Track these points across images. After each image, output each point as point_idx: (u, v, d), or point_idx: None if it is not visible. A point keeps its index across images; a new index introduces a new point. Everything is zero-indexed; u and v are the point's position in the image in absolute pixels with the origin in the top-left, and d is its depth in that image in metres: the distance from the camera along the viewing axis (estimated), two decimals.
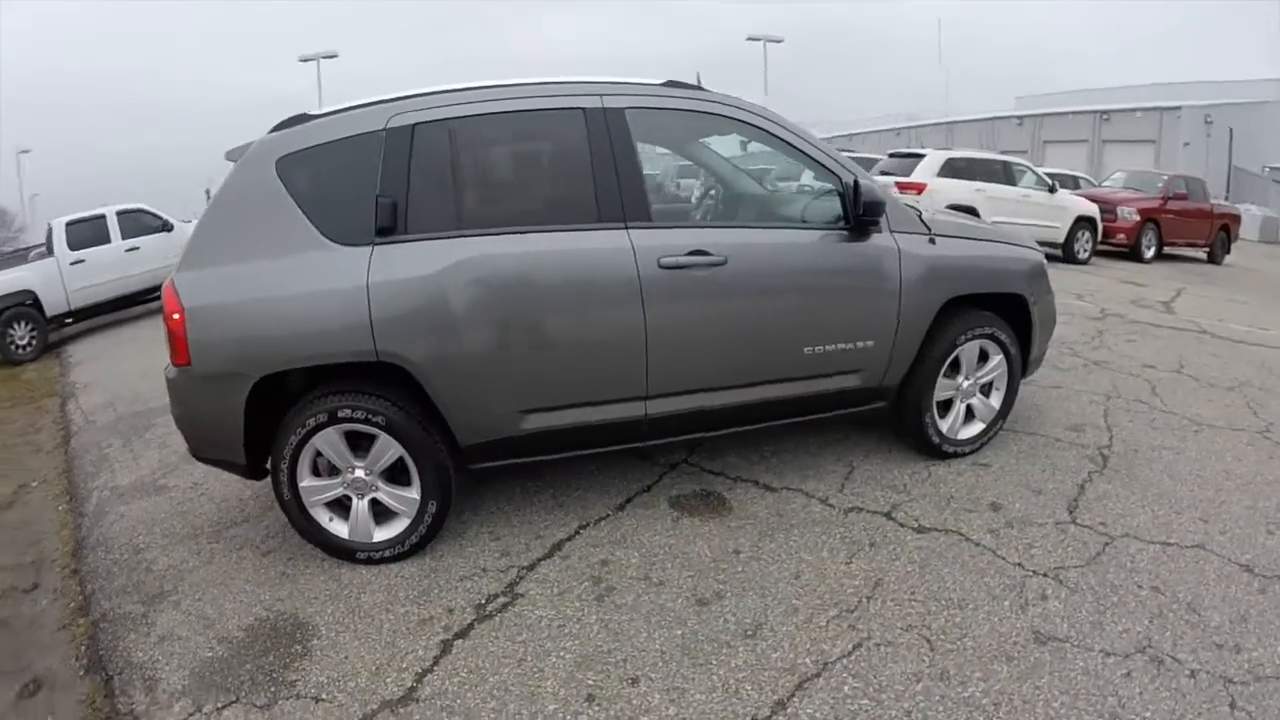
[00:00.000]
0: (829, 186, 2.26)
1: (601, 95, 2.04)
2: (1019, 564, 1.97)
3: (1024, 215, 7.81)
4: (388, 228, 1.86)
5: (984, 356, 2.54)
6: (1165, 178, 10.16)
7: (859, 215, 2.12)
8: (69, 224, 7.35)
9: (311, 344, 1.85)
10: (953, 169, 7.91)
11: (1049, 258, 2.99)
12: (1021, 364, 2.62)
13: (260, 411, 1.91)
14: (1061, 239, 8.15)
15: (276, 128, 1.96)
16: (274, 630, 1.80)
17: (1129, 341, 4.38)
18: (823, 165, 2.24)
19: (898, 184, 8.01)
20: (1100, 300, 5.86)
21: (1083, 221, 8.22)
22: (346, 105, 2.03)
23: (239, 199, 1.93)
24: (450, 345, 1.89)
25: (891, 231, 2.28)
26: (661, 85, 2.18)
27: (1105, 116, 19.88)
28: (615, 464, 2.61)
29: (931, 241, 2.35)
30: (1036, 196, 8.11)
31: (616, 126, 2.00)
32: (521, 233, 1.95)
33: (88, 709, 1.55)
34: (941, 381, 2.46)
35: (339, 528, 2.03)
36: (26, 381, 5.75)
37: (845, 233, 2.22)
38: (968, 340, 2.44)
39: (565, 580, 1.96)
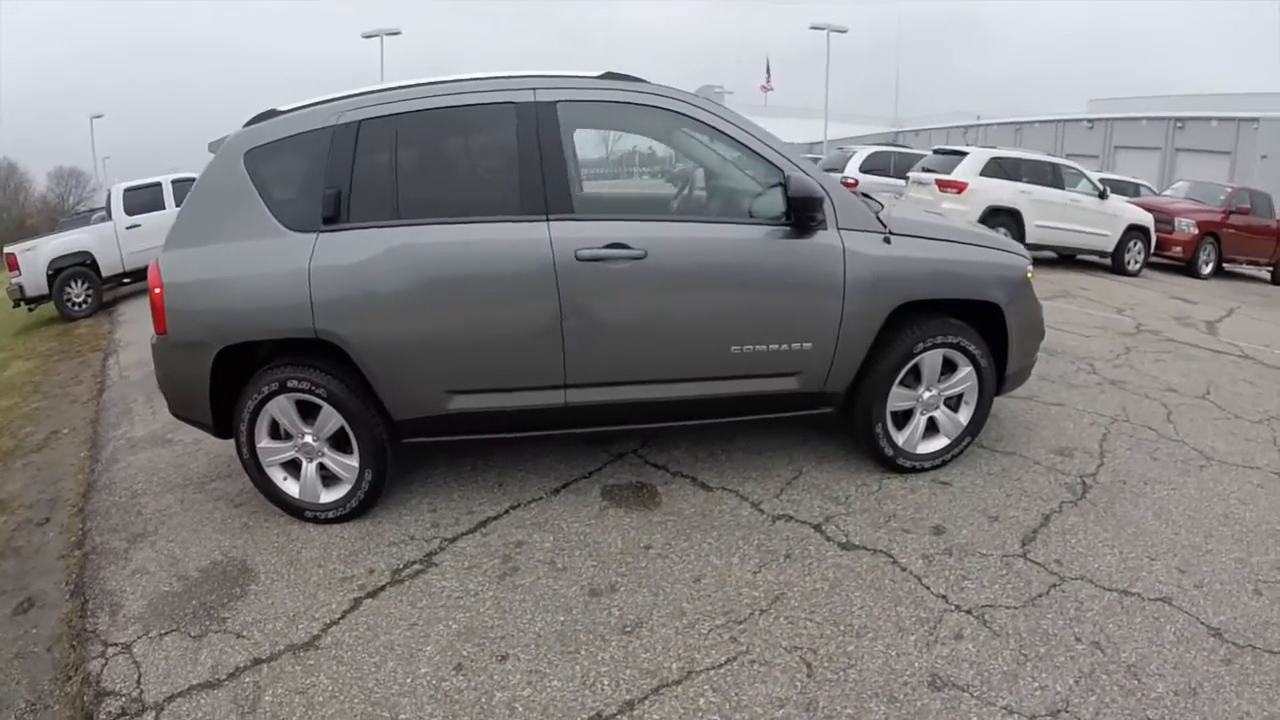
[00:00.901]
0: (775, 180, 2.19)
1: (535, 90, 2.10)
2: (943, 596, 1.89)
3: (1071, 221, 7.59)
4: (331, 217, 2.06)
5: (951, 367, 2.42)
6: (1229, 190, 9.63)
7: (788, 211, 2.07)
8: (126, 190, 8.21)
9: (263, 320, 2.10)
10: (996, 168, 7.67)
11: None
12: (996, 378, 2.46)
13: (233, 377, 2.21)
14: (1111, 248, 7.83)
15: (249, 122, 2.19)
16: (223, 573, 2.11)
17: (1157, 361, 4.01)
18: (764, 159, 2.18)
19: (938, 181, 7.78)
20: (1140, 315, 5.40)
21: (1135, 231, 7.89)
22: (310, 101, 2.22)
23: (213, 187, 2.19)
24: (379, 326, 2.07)
25: (840, 229, 2.20)
26: (598, 78, 2.20)
27: (1179, 124, 19.17)
28: (563, 449, 2.74)
29: (886, 241, 2.25)
30: (1085, 202, 7.73)
31: (547, 120, 2.06)
32: (449, 223, 2.07)
33: (64, 626, 1.92)
34: (897, 391, 2.37)
35: (291, 487, 2.31)
36: (78, 336, 6.64)
37: (787, 229, 2.16)
38: (928, 349, 2.33)
39: (478, 556, 2.14)
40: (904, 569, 2.00)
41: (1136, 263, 7.98)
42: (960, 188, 7.48)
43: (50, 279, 7.50)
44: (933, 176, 7.82)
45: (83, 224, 8.43)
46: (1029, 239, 7.63)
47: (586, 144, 2.84)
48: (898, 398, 2.39)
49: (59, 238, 7.99)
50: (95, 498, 2.59)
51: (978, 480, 2.48)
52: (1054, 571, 1.99)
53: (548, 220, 2.05)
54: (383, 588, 2.02)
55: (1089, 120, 21.97)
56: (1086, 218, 7.68)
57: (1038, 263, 8.75)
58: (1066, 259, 8.49)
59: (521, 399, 2.19)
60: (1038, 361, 3.98)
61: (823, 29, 22.20)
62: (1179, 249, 8.44)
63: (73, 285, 7.65)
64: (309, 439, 2.25)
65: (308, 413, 2.22)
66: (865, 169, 10.23)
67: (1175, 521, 2.24)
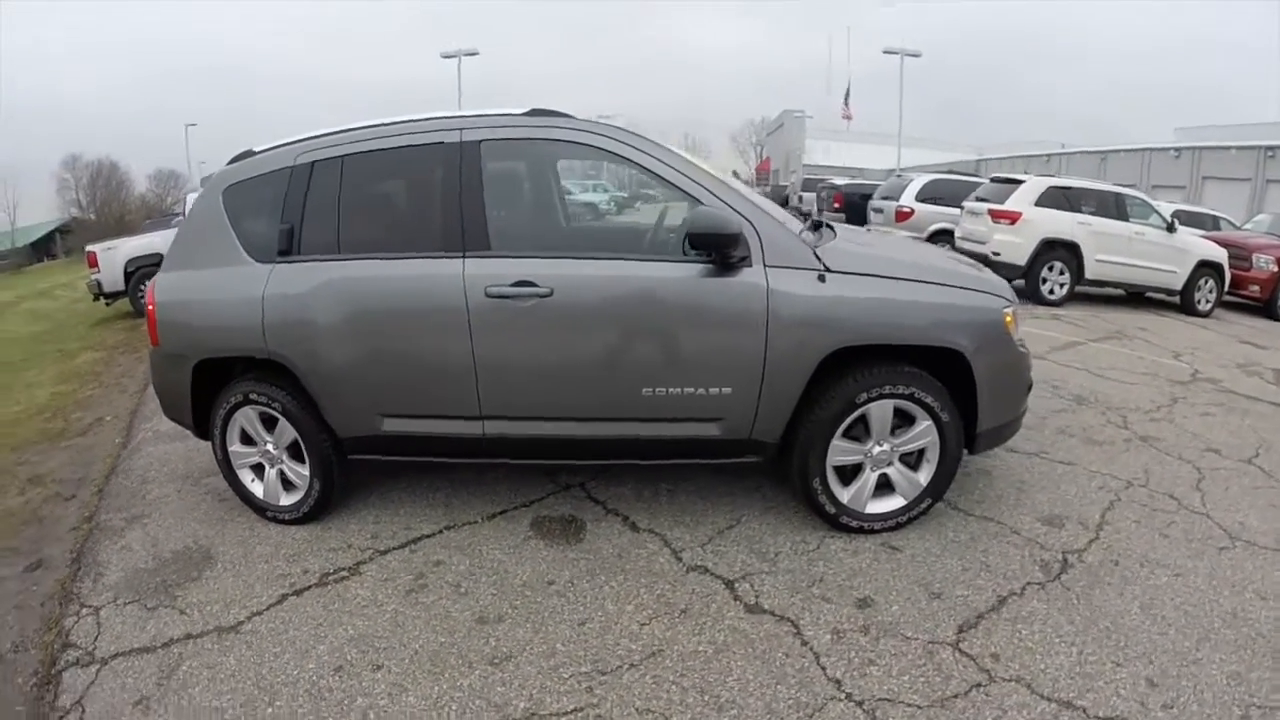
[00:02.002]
0: None
1: (462, 129, 2.32)
2: (836, 680, 1.80)
3: (1135, 255, 7.38)
4: (285, 250, 2.41)
5: (907, 420, 2.32)
6: None
7: (690, 248, 2.11)
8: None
9: (228, 339, 2.48)
10: (1054, 198, 7.41)
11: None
12: (965, 435, 2.36)
13: (212, 386, 2.61)
14: (1179, 285, 7.50)
15: (230, 161, 2.61)
16: (189, 557, 2.50)
17: (1204, 416, 3.61)
18: (684, 192, 2.23)
19: (991, 212, 7.54)
20: (1199, 361, 4.91)
21: (1206, 267, 7.55)
22: (279, 143, 2.59)
23: (198, 219, 2.63)
24: (317, 351, 2.37)
25: (766, 266, 2.18)
26: (524, 115, 2.36)
27: (1270, 153, 18.35)
28: (514, 476, 2.92)
29: (820, 279, 2.19)
30: (1151, 235, 7.47)
31: (470, 159, 2.27)
32: (379, 259, 2.34)
33: (58, 587, 2.37)
34: (841, 444, 2.31)
35: (257, 488, 2.67)
36: (143, 332, 7.74)
37: (707, 266, 2.18)
38: (874, 399, 2.25)
39: (397, 570, 2.36)
40: (805, 642, 1.94)
41: (1208, 302, 7.58)
42: (1014, 218, 7.27)
43: (127, 277, 8.49)
44: (986, 206, 7.63)
45: (164, 227, 9.33)
46: (1088, 274, 7.31)
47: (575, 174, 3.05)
48: (841, 451, 2.33)
49: (137, 239, 9.05)
50: (114, 480, 3.14)
51: (935, 548, 2.36)
52: (985, 668, 1.83)
53: (464, 257, 2.26)
54: (309, 588, 2.30)
55: (1175, 149, 21.40)
56: (1152, 252, 7.39)
57: (1102, 300, 7.97)
58: (1135, 297, 7.90)
59: (444, 426, 2.40)
60: (1063, 411, 3.73)
61: (896, 53, 22.26)
62: (1256, 287, 7.96)
63: (146, 284, 8.94)
64: (270, 447, 2.60)
65: (269, 423, 2.57)
66: (923, 197, 9.97)
67: (1165, 618, 2.00)
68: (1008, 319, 2.37)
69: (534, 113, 2.36)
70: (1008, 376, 2.40)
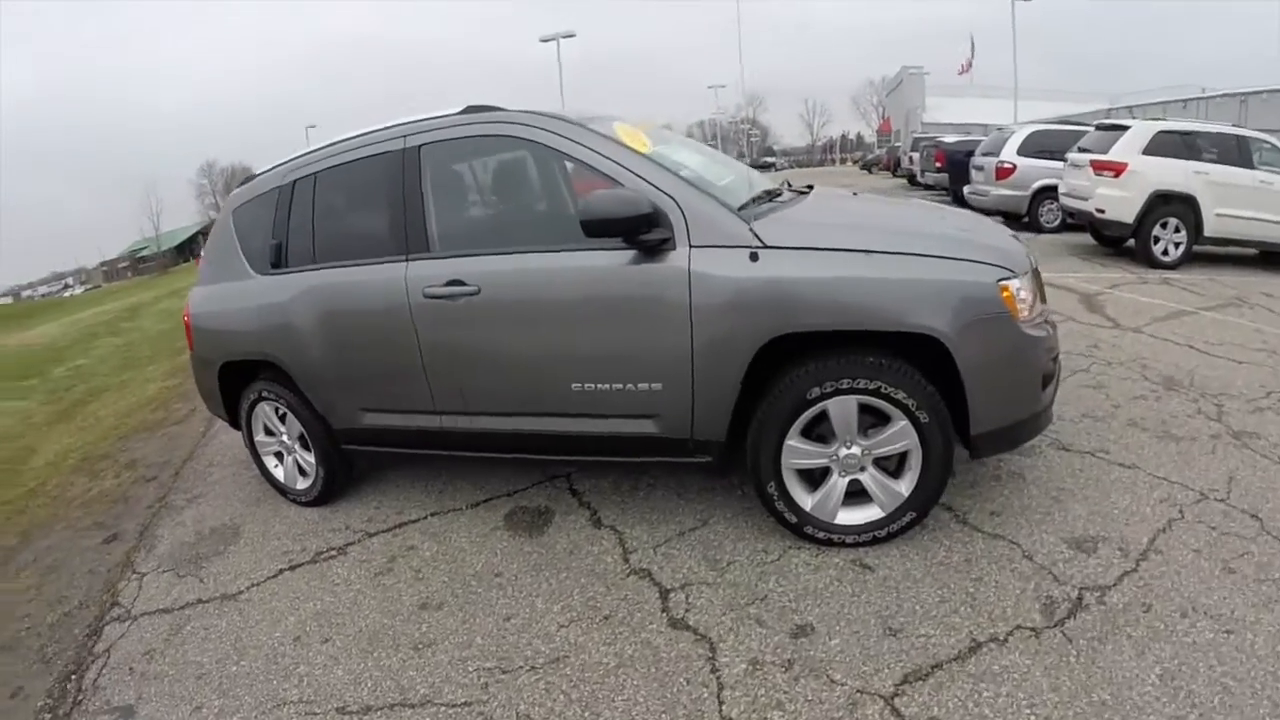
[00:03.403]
0: None
1: (406, 136, 2.44)
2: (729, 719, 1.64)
3: (1263, 208, 6.37)
4: (275, 262, 2.73)
5: (883, 419, 2.05)
6: None
7: (586, 235, 2.03)
8: None
9: (236, 344, 2.88)
10: (1164, 145, 6.49)
11: None
12: (950, 436, 2.05)
13: (240, 384, 3.05)
14: None
15: (239, 184, 3.02)
16: (222, 533, 2.97)
17: None
18: (609, 177, 2.15)
19: (1093, 163, 6.62)
20: None
21: None
22: (275, 164, 2.91)
23: (216, 238, 3.06)
24: (301, 352, 2.66)
25: (691, 247, 2.04)
26: (458, 113, 2.41)
27: None
28: (508, 465, 3.06)
29: (753, 258, 2.00)
30: None
31: (411, 164, 2.39)
32: (344, 266, 2.55)
33: (122, 555, 2.95)
34: (797, 445, 2.11)
35: (279, 473, 3.09)
36: None
37: (631, 254, 2.09)
38: (829, 395, 2.02)
39: (376, 552, 2.60)
40: (715, 670, 1.79)
41: None
42: (1118, 169, 6.36)
43: None
44: (1088, 158, 6.73)
45: None
46: (1208, 231, 6.22)
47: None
48: (800, 453, 2.13)
49: None
50: (188, 465, 3.78)
51: (917, 570, 2.07)
52: None
53: (407, 260, 2.40)
54: (302, 564, 2.63)
55: None
56: None
57: (1229, 261, 6.76)
58: (1271, 257, 6.50)
59: (410, 420, 2.58)
60: (1144, 398, 3.15)
61: None
62: None
63: None
64: (285, 438, 2.99)
65: (283, 417, 2.94)
66: (1026, 151, 8.89)
67: (1192, 695, 1.54)
68: (1006, 294, 1.98)
69: (467, 110, 2.42)
70: (1011, 365, 2.04)
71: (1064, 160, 7.67)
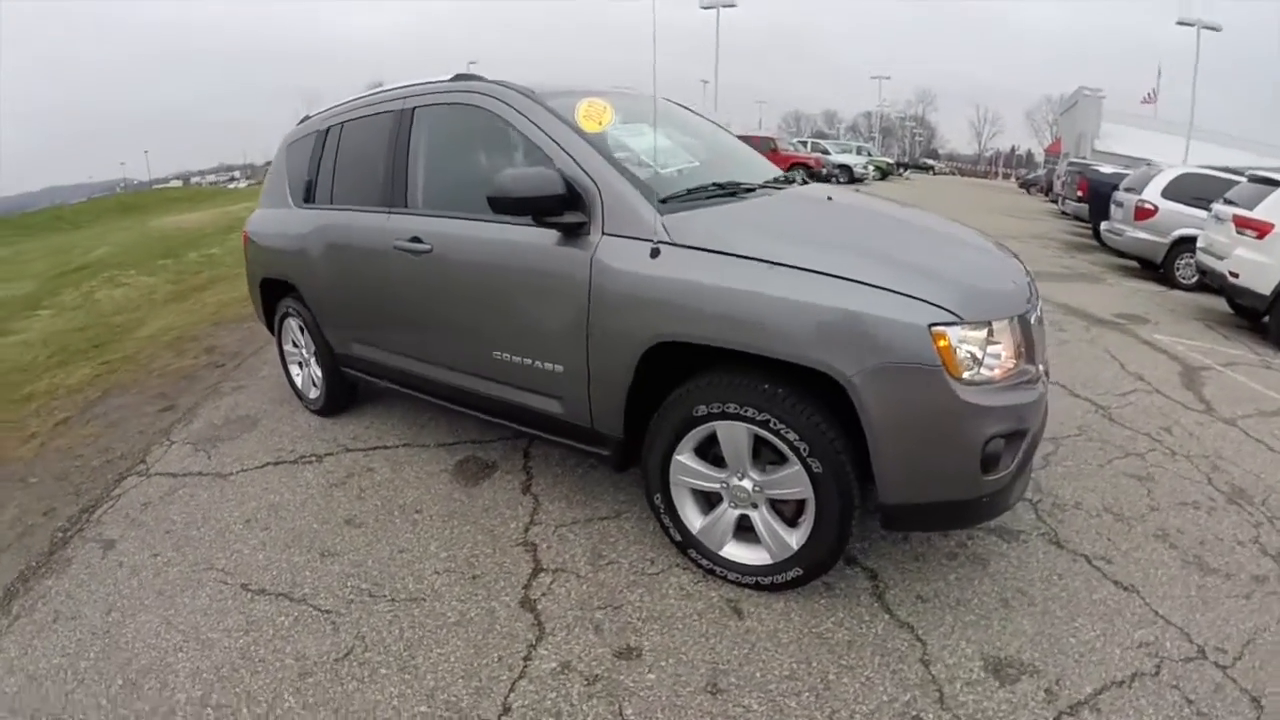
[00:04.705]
0: None
1: (406, 97, 2.64)
2: (506, 709, 1.67)
3: None
4: (306, 198, 3.12)
5: (780, 457, 1.88)
6: None
7: (493, 211, 2.05)
8: None
9: (272, 264, 3.33)
10: None
11: None
12: (850, 495, 1.80)
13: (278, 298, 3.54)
14: None
15: (298, 123, 3.42)
16: (243, 422, 3.48)
17: None
18: (547, 156, 2.17)
19: (1236, 219, 5.61)
20: None
21: None
22: (323, 109, 3.27)
23: (273, 170, 3.50)
24: (311, 280, 3.05)
25: (604, 234, 2.02)
26: (449, 80, 2.53)
27: None
28: None
29: (654, 254, 1.91)
30: None
31: (405, 124, 2.59)
32: (348, 210, 2.85)
33: (167, 424, 3.56)
34: (686, 462, 2.02)
35: (299, 380, 3.56)
36: None
37: (556, 234, 2.10)
38: (714, 416, 1.89)
39: (341, 467, 2.93)
40: (528, 659, 1.82)
41: None
42: (1263, 230, 5.33)
43: None
44: (1232, 211, 5.73)
45: None
46: None
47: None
48: (690, 472, 2.04)
49: None
50: (250, 360, 4.44)
51: (789, 633, 1.90)
52: None
53: (389, 213, 2.63)
54: (285, 462, 3.05)
55: None
56: None
57: None
58: None
59: (386, 357, 2.87)
60: (1194, 507, 2.77)
61: (1191, 24, 18.13)
62: None
63: None
64: (303, 351, 3.45)
65: (303, 333, 3.37)
66: (1172, 195, 7.80)
67: None
68: (941, 342, 1.65)
69: (456, 78, 2.55)
70: (936, 432, 1.70)
71: (1209, 210, 6.51)
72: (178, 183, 62.89)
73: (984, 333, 1.72)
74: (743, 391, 1.85)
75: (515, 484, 2.75)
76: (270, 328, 3.67)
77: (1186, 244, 7.53)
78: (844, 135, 65.11)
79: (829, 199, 2.45)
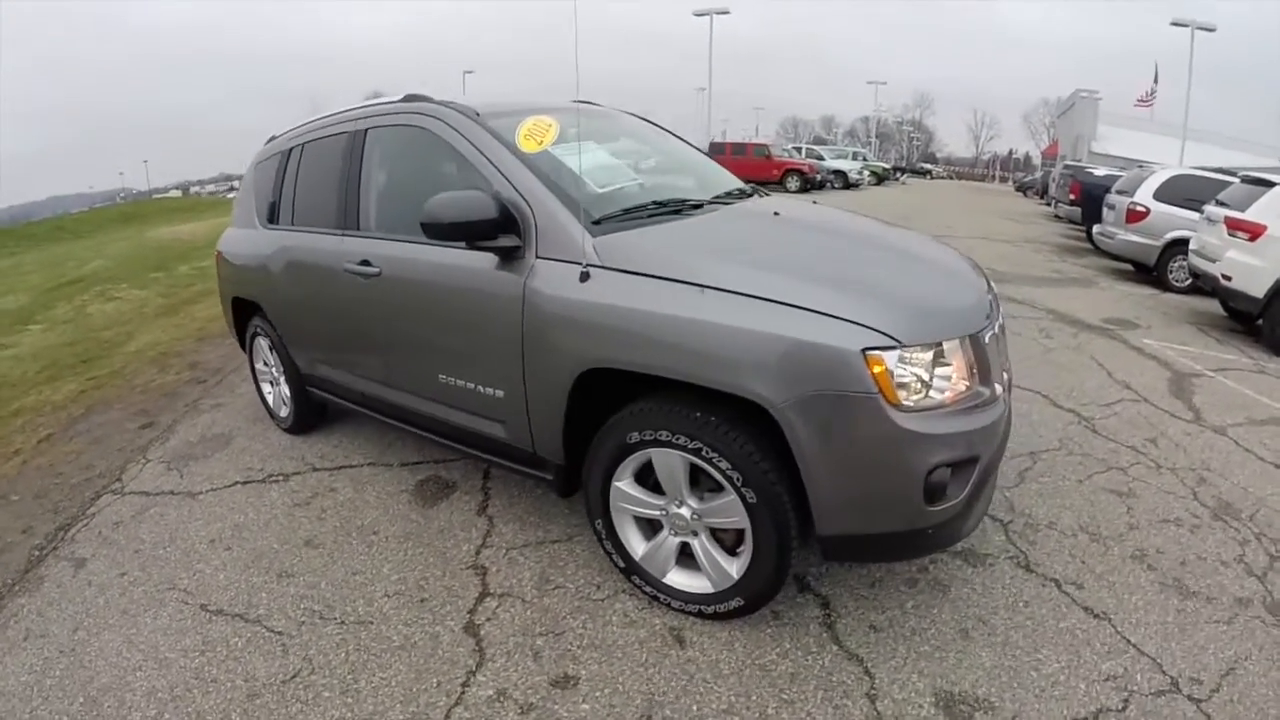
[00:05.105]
0: None
1: (359, 119, 2.74)
2: None
3: None
4: (270, 218, 3.25)
5: (718, 485, 1.89)
6: None
7: (427, 233, 2.08)
8: None
9: (240, 283, 3.47)
10: None
11: None
12: (786, 527, 1.81)
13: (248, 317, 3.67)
14: None
15: (266, 142, 3.54)
16: (218, 440, 3.61)
17: None
18: (483, 176, 2.21)
19: (1227, 220, 5.68)
20: None
21: None
22: (289, 128, 3.39)
23: (243, 188, 3.63)
24: (275, 300, 3.18)
25: (537, 258, 2.06)
26: (400, 101, 2.62)
27: None
28: None
29: (583, 278, 1.93)
30: None
31: (359, 146, 2.69)
32: (307, 232, 2.97)
33: (145, 441, 3.71)
34: (626, 489, 2.06)
35: (270, 399, 3.68)
36: None
37: (495, 257, 2.15)
38: (648, 444, 1.92)
39: (306, 487, 3.06)
40: (466, 685, 1.90)
41: None
42: (1255, 232, 5.37)
43: None
44: (1224, 213, 5.83)
45: None
46: None
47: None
48: (631, 499, 2.08)
49: None
50: (230, 376, 4.59)
51: (730, 664, 1.93)
52: None
53: (342, 235, 2.75)
54: (253, 481, 3.19)
55: None
56: None
57: None
58: None
59: (347, 379, 2.99)
60: (1176, 524, 2.70)
61: (1185, 25, 19.35)
62: None
63: None
64: (273, 371, 3.59)
65: (274, 351, 3.51)
66: (1164, 197, 7.89)
67: None
68: (876, 368, 1.63)
69: (406, 98, 2.63)
70: (872, 461, 1.69)
71: (1201, 212, 6.61)
72: (177, 192, 63.20)
73: (931, 354, 1.70)
74: (674, 419, 1.86)
75: (472, 505, 2.87)
76: (243, 345, 3.81)
77: (1179, 246, 7.58)
78: (842, 141, 65.67)
79: (775, 214, 2.44)
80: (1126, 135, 29.02)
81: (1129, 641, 2.03)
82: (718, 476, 1.86)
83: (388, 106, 2.70)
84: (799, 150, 25.50)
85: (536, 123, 2.31)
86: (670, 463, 1.94)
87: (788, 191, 19.63)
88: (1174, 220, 7.77)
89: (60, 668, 2.11)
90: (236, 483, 3.17)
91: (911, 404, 1.67)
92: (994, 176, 62.64)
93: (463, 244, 2.15)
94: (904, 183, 34.63)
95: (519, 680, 1.94)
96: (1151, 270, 8.05)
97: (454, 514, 2.81)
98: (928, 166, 53.98)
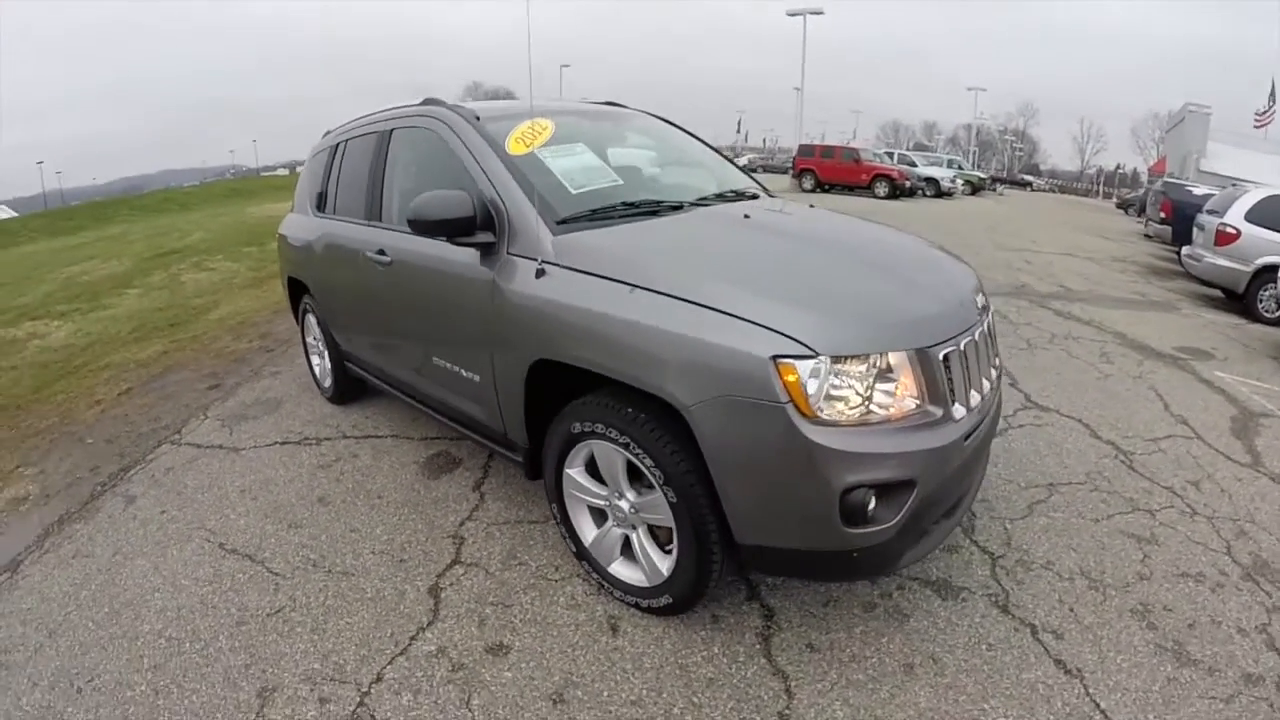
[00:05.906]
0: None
1: (388, 120, 2.99)
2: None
3: None
4: (319, 206, 3.58)
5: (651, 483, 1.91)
6: None
7: (415, 229, 2.21)
8: None
9: (293, 264, 3.84)
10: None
11: None
12: (706, 530, 1.81)
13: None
14: None
15: (323, 136, 3.92)
16: (268, 404, 4.02)
17: None
18: (471, 178, 2.35)
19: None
20: None
21: None
22: (342, 124, 3.72)
23: (302, 177, 3.99)
24: (317, 281, 3.52)
25: (508, 254, 2.19)
26: (420, 104, 2.84)
27: None
28: None
29: (539, 274, 2.05)
30: None
31: (385, 144, 2.95)
32: (343, 220, 3.26)
33: (208, 400, 4.19)
34: (576, 477, 2.15)
35: (317, 370, 4.06)
36: None
37: (478, 251, 2.28)
38: (588, 436, 2.01)
39: (333, 451, 3.36)
40: (414, 639, 2.06)
41: None
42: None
43: None
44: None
45: None
46: None
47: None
48: (581, 487, 2.16)
49: None
50: (295, 347, 5.07)
51: (654, 659, 1.96)
52: None
53: (369, 225, 3.01)
54: (290, 443, 3.52)
55: None
56: None
57: None
58: None
59: (374, 356, 3.26)
60: (1196, 580, 2.39)
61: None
62: None
63: None
64: (320, 345, 3.95)
65: (321, 325, 3.89)
66: (1257, 218, 7.16)
67: None
68: (788, 376, 1.59)
69: (424, 102, 2.87)
70: (783, 474, 1.64)
71: None
72: (284, 170, 68.50)
73: (865, 366, 1.65)
74: (609, 413, 1.93)
75: (470, 481, 3.05)
76: (297, 320, 4.20)
77: (1270, 273, 6.89)
78: (943, 148, 62.53)
79: (745, 217, 2.43)
80: (1236, 154, 26.18)
81: (1097, 706, 1.81)
82: (646, 473, 1.91)
83: (409, 109, 2.95)
84: (890, 155, 24.58)
85: (533, 125, 2.43)
86: (609, 456, 2.02)
87: (875, 197, 19.00)
88: (1266, 244, 7.03)
89: (96, 583, 2.46)
90: (275, 442, 3.52)
91: (835, 417, 1.62)
92: (1098, 192, 58.14)
93: (445, 239, 2.29)
94: (1001, 194, 32.68)
95: (459, 642, 2.08)
96: (1241, 297, 7.30)
97: (452, 487, 3.00)
98: (1028, 178, 50.69)
